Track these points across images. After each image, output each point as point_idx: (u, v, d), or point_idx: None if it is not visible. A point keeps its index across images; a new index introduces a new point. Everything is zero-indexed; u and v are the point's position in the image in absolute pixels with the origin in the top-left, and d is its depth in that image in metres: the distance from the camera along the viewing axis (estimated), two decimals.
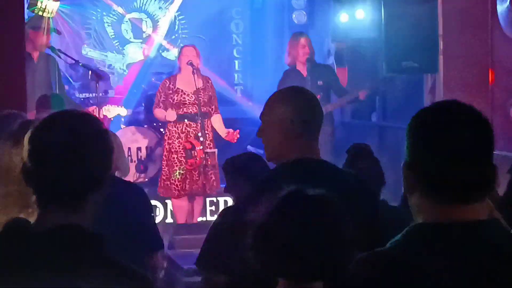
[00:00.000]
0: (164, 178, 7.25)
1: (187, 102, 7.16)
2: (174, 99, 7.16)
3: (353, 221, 1.94)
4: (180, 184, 7.14)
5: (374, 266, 1.71)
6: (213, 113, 7.25)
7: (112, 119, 8.10)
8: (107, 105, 7.83)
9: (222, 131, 7.24)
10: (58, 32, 7.84)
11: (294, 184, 1.98)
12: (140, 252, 3.96)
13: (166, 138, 7.30)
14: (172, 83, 7.22)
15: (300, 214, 1.90)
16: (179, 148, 7.16)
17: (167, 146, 7.26)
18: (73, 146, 1.80)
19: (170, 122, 7.20)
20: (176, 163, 7.15)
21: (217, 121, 7.27)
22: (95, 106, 7.47)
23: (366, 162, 3.85)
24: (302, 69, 7.58)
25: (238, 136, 7.18)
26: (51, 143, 1.80)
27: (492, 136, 1.74)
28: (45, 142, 1.81)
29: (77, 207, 1.82)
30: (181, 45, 8.54)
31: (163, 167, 7.32)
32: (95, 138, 1.84)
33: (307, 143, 2.72)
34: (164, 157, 7.32)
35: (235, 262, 2.56)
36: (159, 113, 7.25)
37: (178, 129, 7.19)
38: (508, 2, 6.07)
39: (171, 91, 7.18)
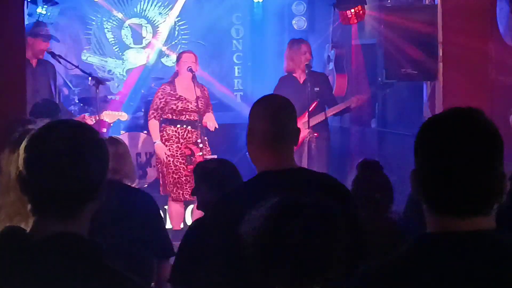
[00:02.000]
0: (161, 178, 7.26)
1: (189, 109, 7.17)
2: (178, 105, 7.14)
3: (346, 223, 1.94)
4: (176, 189, 7.14)
5: (375, 277, 1.70)
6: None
7: (111, 124, 8.10)
8: (108, 110, 7.82)
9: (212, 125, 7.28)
10: (57, 40, 7.85)
11: (275, 194, 1.97)
12: (150, 258, 3.97)
13: (163, 140, 7.22)
14: (172, 89, 7.20)
15: (299, 222, 1.90)
16: (177, 153, 7.15)
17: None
18: (69, 155, 1.79)
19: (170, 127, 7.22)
20: (171, 166, 7.14)
21: (209, 117, 7.29)
22: (95, 115, 7.47)
23: (376, 177, 3.89)
24: (300, 75, 7.51)
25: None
26: (46, 152, 1.79)
27: (500, 146, 1.70)
28: (41, 151, 1.80)
29: (72, 216, 1.81)
30: (181, 51, 8.55)
31: (160, 168, 7.31)
32: (91, 147, 1.83)
33: (280, 152, 2.71)
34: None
35: (207, 277, 2.56)
36: (152, 126, 7.27)
37: (179, 134, 7.18)
38: (507, 10, 6.09)
39: (173, 98, 7.15)
